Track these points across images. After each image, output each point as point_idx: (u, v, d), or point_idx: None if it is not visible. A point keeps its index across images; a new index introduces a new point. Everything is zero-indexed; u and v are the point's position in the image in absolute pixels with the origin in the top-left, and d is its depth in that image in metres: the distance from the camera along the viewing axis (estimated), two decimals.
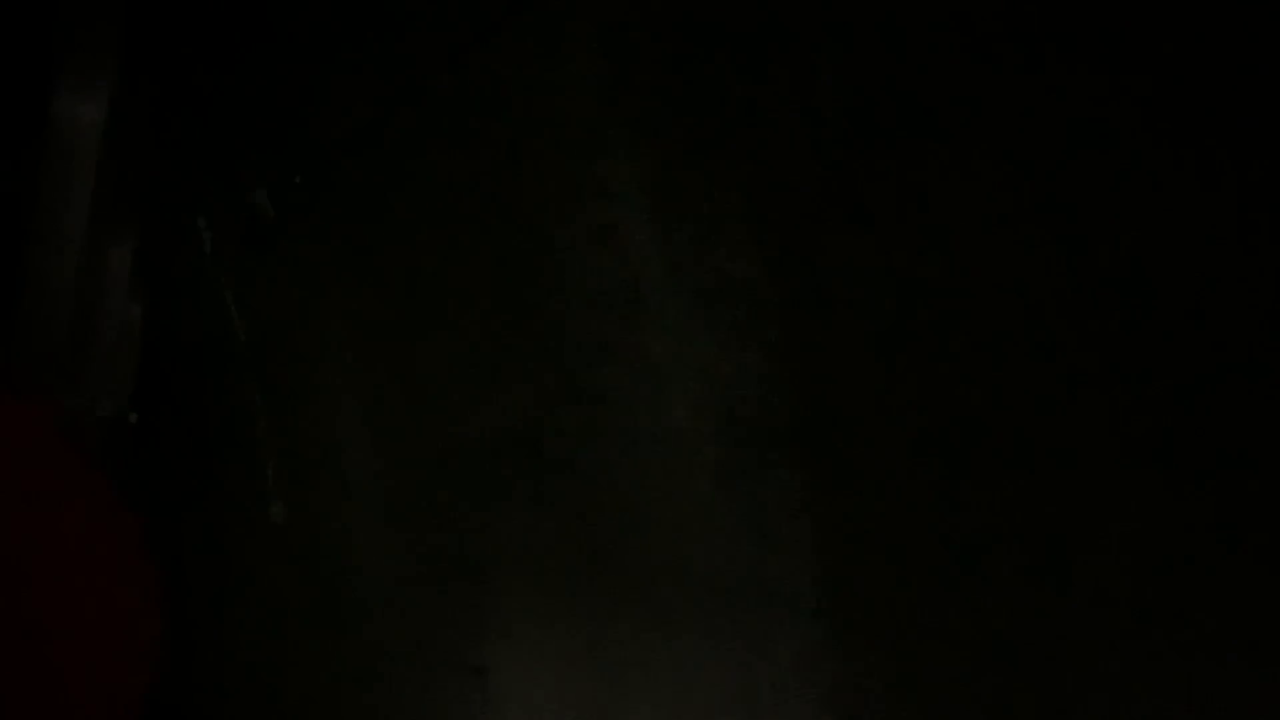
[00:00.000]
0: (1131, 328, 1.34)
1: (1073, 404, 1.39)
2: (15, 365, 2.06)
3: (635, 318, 1.87)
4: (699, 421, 1.79)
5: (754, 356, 1.70)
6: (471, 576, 2.16)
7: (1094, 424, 1.38)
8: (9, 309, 2.14)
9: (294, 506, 2.49)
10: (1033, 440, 1.44)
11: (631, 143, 1.84)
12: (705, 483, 1.78)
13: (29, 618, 1.36)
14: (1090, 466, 1.39)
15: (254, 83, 2.45)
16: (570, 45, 1.87)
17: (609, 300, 1.88)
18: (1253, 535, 1.27)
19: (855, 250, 1.57)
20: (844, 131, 1.55)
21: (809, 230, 1.62)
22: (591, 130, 1.90)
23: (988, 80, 1.41)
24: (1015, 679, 1.47)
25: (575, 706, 2.08)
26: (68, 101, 2.26)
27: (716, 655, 1.78)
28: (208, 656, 2.45)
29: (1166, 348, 1.32)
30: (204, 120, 2.62)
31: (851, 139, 1.55)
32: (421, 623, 2.25)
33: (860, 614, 1.61)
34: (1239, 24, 1.22)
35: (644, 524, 1.86)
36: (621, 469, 1.89)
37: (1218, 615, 1.30)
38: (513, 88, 1.96)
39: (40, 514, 1.39)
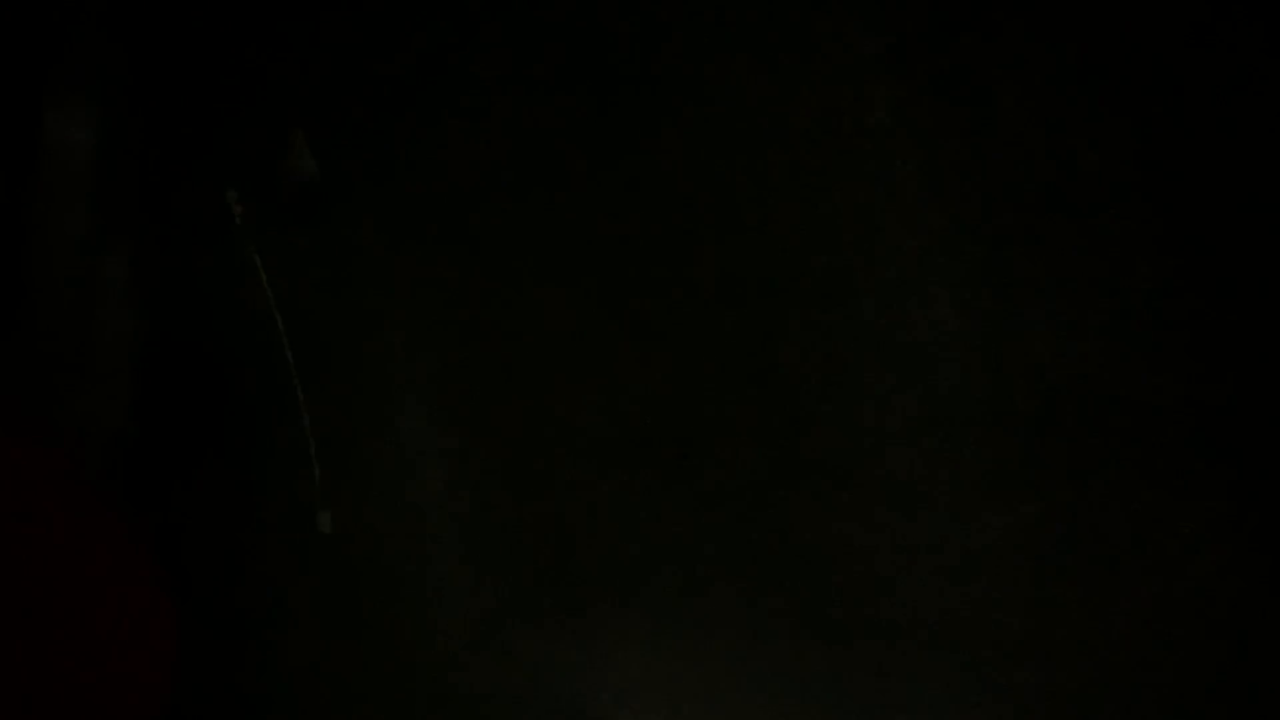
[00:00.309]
0: None
1: None
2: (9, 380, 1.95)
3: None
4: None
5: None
6: (585, 610, 1.87)
7: None
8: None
9: (345, 516, 2.19)
10: None
11: None
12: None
13: (46, 667, 1.37)
14: None
15: (286, 25, 2.15)
16: None
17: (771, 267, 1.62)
18: None
19: None
20: None
21: None
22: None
23: None
24: None
25: None
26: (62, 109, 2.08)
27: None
28: (248, 700, 2.15)
29: None
30: (232, 71, 2.31)
31: None
32: (518, 666, 1.94)
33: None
34: None
35: (840, 553, 1.58)
36: (807, 481, 1.61)
37: None
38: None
39: (57, 565, 1.39)
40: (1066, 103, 1.82)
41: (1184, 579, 1.66)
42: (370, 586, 2.16)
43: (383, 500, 2.20)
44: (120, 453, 2.20)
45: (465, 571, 2.15)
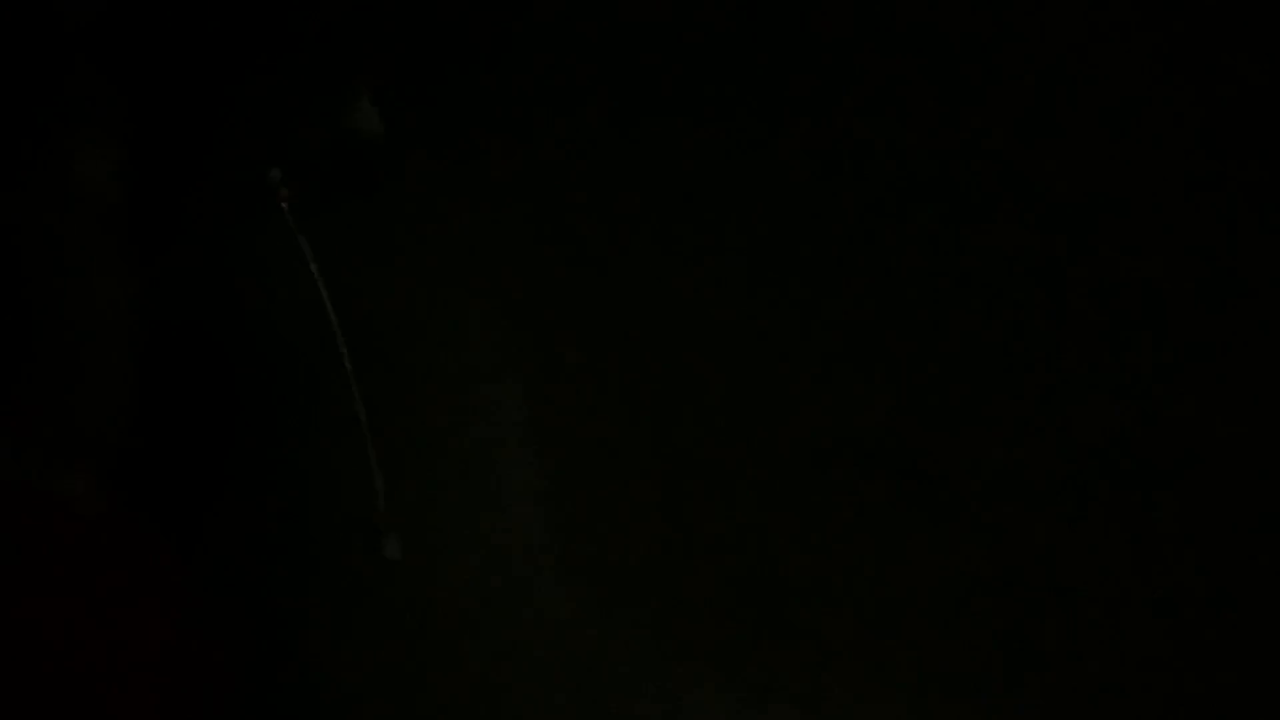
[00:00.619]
0: None
1: None
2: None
3: None
4: None
5: None
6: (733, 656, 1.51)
7: None
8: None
9: (414, 541, 1.80)
10: None
11: None
12: None
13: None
14: None
15: None
16: None
17: None
18: None
19: None
20: None
21: None
22: None
23: None
24: None
25: None
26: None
27: None
28: None
29: None
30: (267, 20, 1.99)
31: None
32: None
33: None
34: None
35: None
36: None
37: None
38: None
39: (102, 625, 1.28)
40: None
41: None
42: (446, 625, 1.77)
43: (461, 523, 1.82)
44: (146, 464, 1.80)
45: (560, 607, 1.77)
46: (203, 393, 1.91)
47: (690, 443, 1.76)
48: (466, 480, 1.82)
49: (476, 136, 1.90)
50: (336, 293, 1.93)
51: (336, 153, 1.94)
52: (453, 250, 1.88)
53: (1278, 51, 1.79)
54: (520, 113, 1.90)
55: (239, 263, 1.98)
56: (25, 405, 1.60)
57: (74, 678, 1.27)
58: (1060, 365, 1.77)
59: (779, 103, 1.89)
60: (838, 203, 1.85)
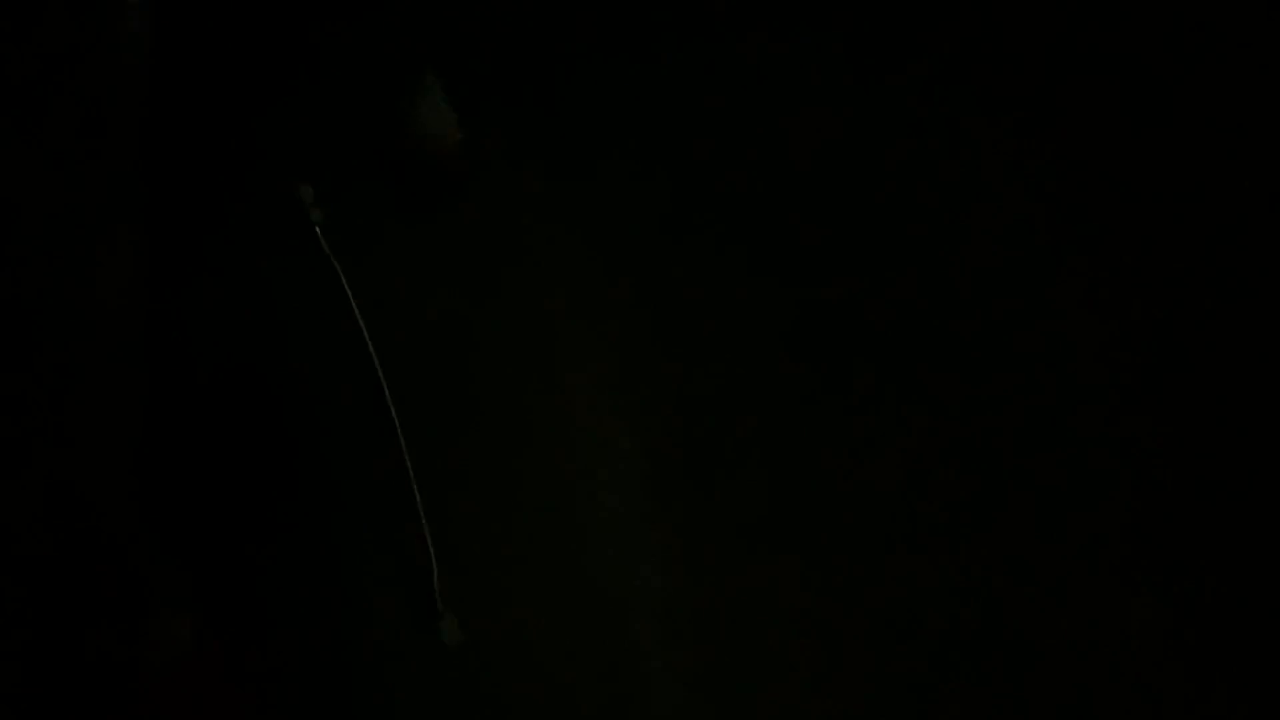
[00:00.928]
0: None
1: None
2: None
3: None
4: None
5: None
6: None
7: None
8: None
9: (477, 624, 1.50)
10: None
11: None
12: None
13: None
14: None
15: None
16: None
17: None
18: None
19: None
20: None
21: None
22: None
23: None
24: None
25: None
26: None
27: None
28: None
29: None
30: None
31: None
32: None
33: None
34: None
35: None
36: None
37: None
38: None
39: None
40: None
41: None
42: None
43: (538, 604, 1.52)
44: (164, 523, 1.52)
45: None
46: (229, 433, 1.63)
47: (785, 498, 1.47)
48: (546, 550, 1.53)
49: (577, 140, 1.61)
50: (383, 329, 1.65)
51: (398, 162, 1.65)
52: (547, 281, 1.58)
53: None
54: (636, 110, 1.60)
55: (266, 288, 1.70)
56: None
57: None
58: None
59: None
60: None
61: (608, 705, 1.42)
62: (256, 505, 1.53)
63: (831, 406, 1.52)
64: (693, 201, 1.56)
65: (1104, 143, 1.56)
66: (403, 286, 1.64)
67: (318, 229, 1.70)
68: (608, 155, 1.59)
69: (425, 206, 1.61)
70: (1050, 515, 1.45)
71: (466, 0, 1.66)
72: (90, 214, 1.51)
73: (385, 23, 1.66)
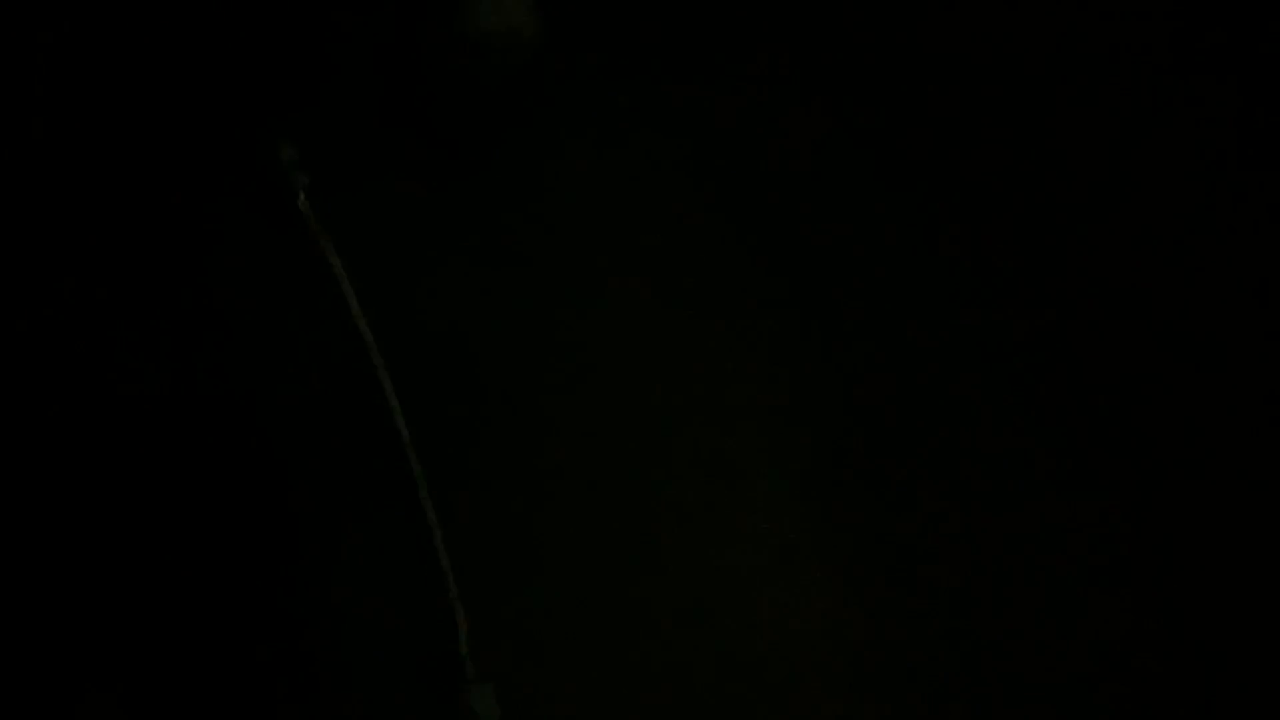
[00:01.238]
0: None
1: None
2: None
3: None
4: None
5: None
6: None
7: None
8: None
9: (513, 693, 1.22)
10: None
11: None
12: None
13: None
14: None
15: None
16: None
17: None
18: None
19: None
20: None
21: None
22: None
23: None
24: None
25: None
26: None
27: None
28: None
29: None
30: None
31: None
32: None
33: None
34: None
35: None
36: None
37: None
38: None
39: None
40: None
41: None
42: None
43: (573, 664, 1.25)
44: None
45: None
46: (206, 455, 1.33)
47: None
48: (582, 596, 1.25)
49: (690, 49, 1.25)
50: (383, 315, 1.35)
51: (410, 101, 1.32)
52: (662, 265, 1.24)
53: None
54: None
55: (243, 267, 1.39)
56: None
57: None
58: None
59: None
60: None
61: None
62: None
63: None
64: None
65: None
66: (418, 279, 1.34)
67: (302, 197, 1.40)
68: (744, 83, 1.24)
69: (462, 153, 1.29)
70: None
71: None
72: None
73: None
